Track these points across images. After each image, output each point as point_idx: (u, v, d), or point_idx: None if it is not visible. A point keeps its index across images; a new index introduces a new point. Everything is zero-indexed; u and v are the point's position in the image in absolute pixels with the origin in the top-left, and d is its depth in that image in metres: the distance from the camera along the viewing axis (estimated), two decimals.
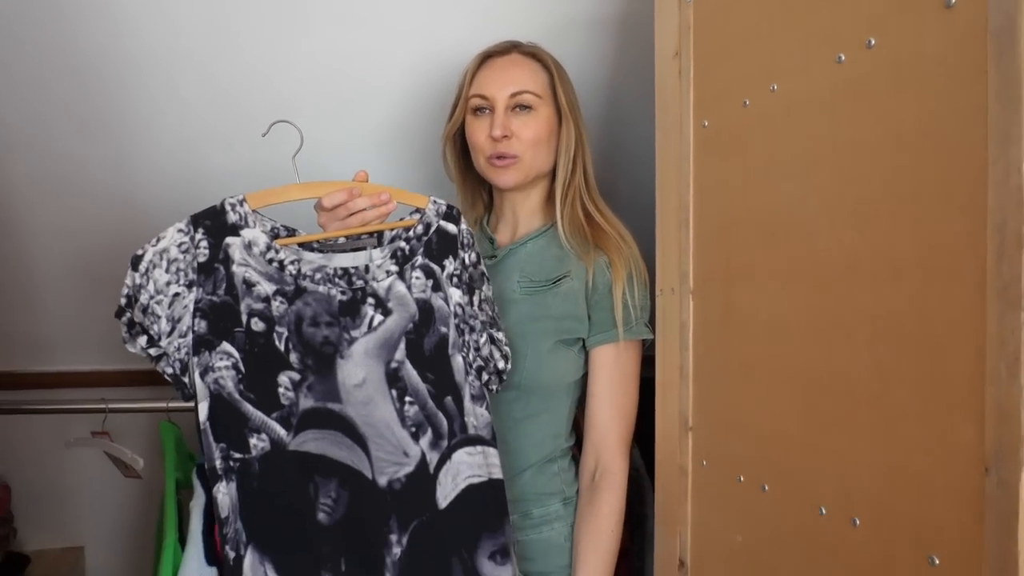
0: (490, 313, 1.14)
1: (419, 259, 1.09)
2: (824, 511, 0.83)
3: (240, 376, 0.99)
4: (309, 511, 1.00)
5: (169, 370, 1.00)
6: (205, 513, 1.17)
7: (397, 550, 1.02)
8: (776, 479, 0.92)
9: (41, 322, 1.67)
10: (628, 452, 1.24)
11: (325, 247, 1.09)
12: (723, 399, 1.03)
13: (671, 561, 1.16)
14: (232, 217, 1.01)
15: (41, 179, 1.44)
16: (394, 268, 1.08)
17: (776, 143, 0.90)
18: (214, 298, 1.00)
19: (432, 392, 1.07)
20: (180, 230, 0.99)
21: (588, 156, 1.28)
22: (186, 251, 0.99)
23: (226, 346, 0.99)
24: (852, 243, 0.78)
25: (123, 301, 0.98)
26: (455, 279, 1.11)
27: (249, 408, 0.99)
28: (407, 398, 1.06)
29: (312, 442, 1.01)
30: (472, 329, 1.12)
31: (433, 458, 1.06)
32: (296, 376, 1.02)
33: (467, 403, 1.09)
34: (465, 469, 1.07)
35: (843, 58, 0.78)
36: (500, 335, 1.14)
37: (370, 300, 1.06)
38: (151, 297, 0.97)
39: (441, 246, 1.11)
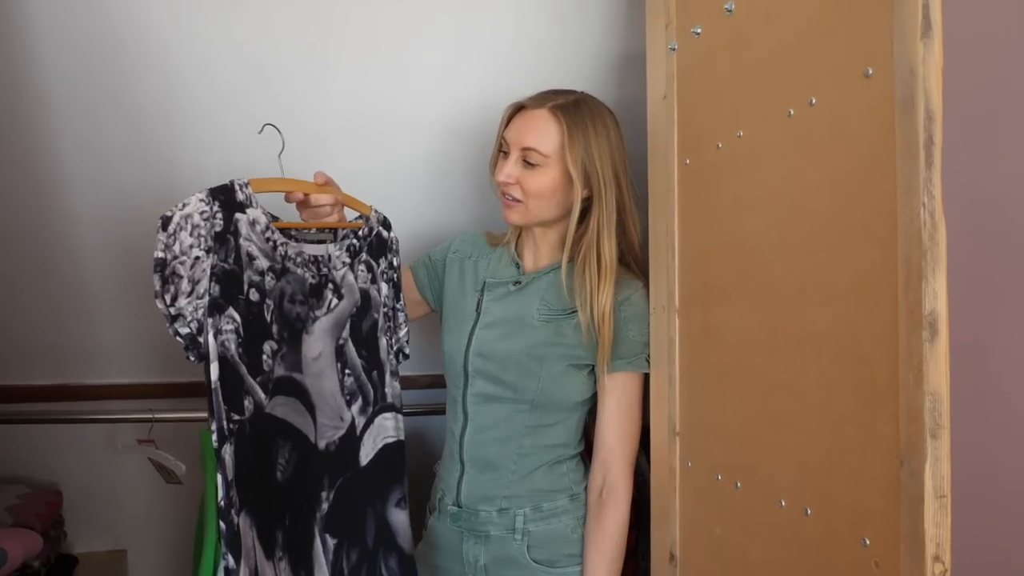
0: (405, 310, 1.35)
1: (364, 255, 1.28)
2: (783, 503, 0.96)
3: (240, 340, 1.08)
4: (272, 471, 1.12)
5: (185, 330, 1.04)
6: None
7: (325, 505, 1.19)
8: (746, 477, 1.04)
9: (93, 338, 1.81)
10: (632, 470, 1.36)
11: (299, 236, 1.23)
12: (704, 406, 1.16)
13: (664, 555, 1.28)
14: (240, 196, 1.12)
15: (99, 208, 1.59)
16: (348, 260, 1.26)
17: (742, 182, 1.03)
18: (225, 265, 1.08)
19: (364, 366, 1.26)
20: (202, 200, 1.06)
21: (606, 212, 1.31)
22: (207, 219, 1.07)
23: (232, 311, 1.08)
24: (802, 270, 0.91)
25: (159, 255, 1.02)
26: (384, 275, 1.31)
27: (244, 371, 1.08)
28: (347, 370, 1.24)
29: (280, 407, 1.14)
30: (395, 319, 1.32)
31: (360, 422, 1.25)
32: (275, 345, 1.14)
33: (387, 377, 1.28)
34: (383, 431, 1.26)
35: (792, 112, 0.92)
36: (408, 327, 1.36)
37: (330, 285, 1.23)
38: (175, 258, 1.03)
39: (378, 247, 1.30)
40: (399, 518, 1.26)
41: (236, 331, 1.08)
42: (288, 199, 1.22)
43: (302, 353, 1.18)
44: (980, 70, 1.13)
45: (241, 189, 1.13)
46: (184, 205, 1.05)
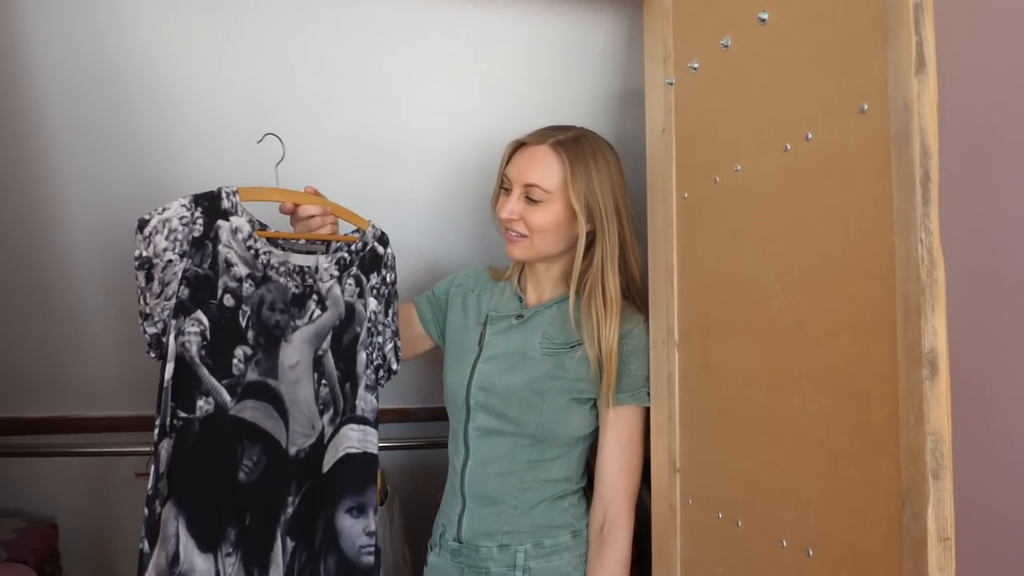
0: (393, 327, 1.33)
1: (354, 269, 1.28)
2: (785, 544, 0.94)
3: (204, 343, 1.14)
4: (232, 470, 1.16)
5: (152, 330, 1.11)
6: None
7: (290, 510, 1.20)
8: (747, 515, 1.02)
9: (91, 370, 1.80)
10: (633, 505, 1.34)
11: (287, 246, 1.25)
12: (703, 443, 1.14)
13: None
14: (226, 204, 1.17)
15: (96, 241, 1.60)
16: (336, 273, 1.26)
17: (740, 216, 1.03)
18: (199, 270, 1.14)
19: (340, 378, 1.26)
20: (183, 205, 1.13)
21: (609, 246, 1.32)
22: (185, 224, 1.13)
23: (199, 314, 1.14)
24: (799, 306, 0.90)
25: (137, 253, 1.10)
26: (375, 291, 1.30)
27: (204, 372, 1.14)
28: (323, 381, 1.25)
29: (249, 411, 1.18)
30: (381, 334, 1.30)
31: (328, 431, 1.25)
32: (249, 351, 1.18)
33: (361, 390, 1.27)
34: (347, 441, 1.25)
35: (789, 147, 0.91)
36: (400, 342, 1.35)
37: (314, 296, 1.24)
38: (147, 260, 1.10)
39: (371, 262, 1.30)
40: (346, 523, 1.23)
41: (202, 334, 1.14)
42: (281, 210, 1.25)
43: (279, 360, 1.21)
44: (975, 105, 1.12)
45: (228, 197, 1.17)
46: (164, 209, 1.11)
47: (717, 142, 1.09)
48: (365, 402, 1.27)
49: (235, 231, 1.17)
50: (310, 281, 1.24)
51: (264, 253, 1.20)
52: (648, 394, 1.32)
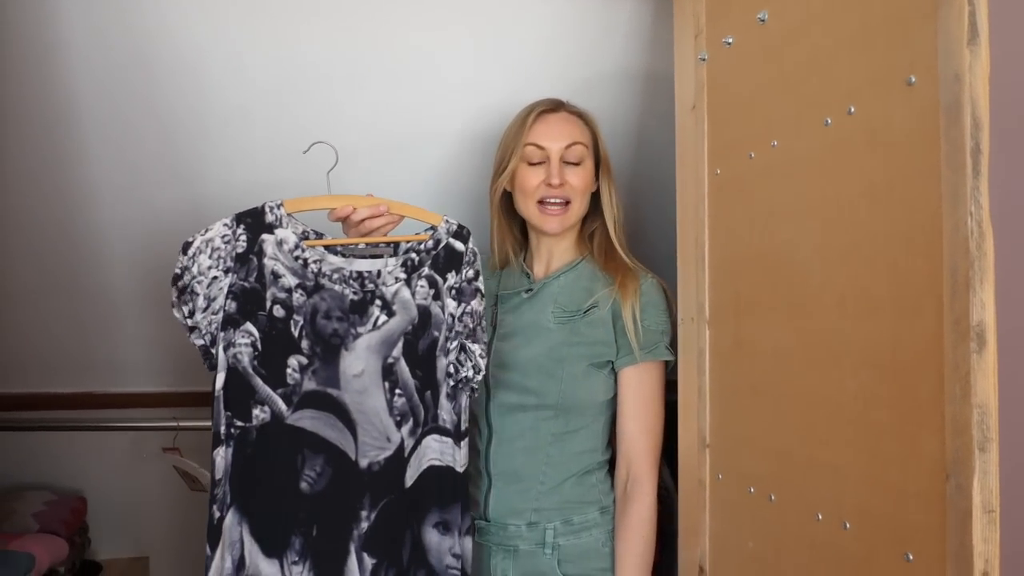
0: (470, 326, 1.24)
1: (426, 270, 1.23)
2: (820, 517, 0.94)
3: (256, 353, 1.16)
4: (293, 479, 1.16)
5: (199, 342, 1.16)
6: None
7: (365, 524, 1.18)
8: (780, 490, 1.03)
9: (119, 347, 1.82)
10: (656, 463, 1.35)
11: (347, 252, 1.24)
12: (735, 419, 1.15)
13: (692, 568, 1.26)
14: (269, 218, 1.19)
15: (125, 219, 1.61)
16: (403, 275, 1.22)
17: (776, 193, 1.02)
18: (245, 284, 1.17)
19: (418, 386, 1.22)
20: (225, 224, 1.17)
21: (613, 201, 1.41)
22: (228, 242, 1.17)
23: (249, 326, 1.16)
24: (840, 281, 0.90)
25: (176, 271, 1.15)
26: (454, 291, 1.24)
27: (258, 382, 1.16)
28: (397, 390, 1.21)
29: (308, 420, 1.17)
30: (474, 334, 1.25)
31: (409, 444, 1.21)
32: (304, 360, 1.18)
33: (442, 399, 1.23)
34: (430, 452, 1.22)
35: (830, 122, 0.91)
36: (474, 347, 1.24)
37: (378, 302, 1.21)
38: (193, 278, 1.14)
39: (447, 260, 1.24)
40: (433, 538, 1.21)
41: (252, 344, 1.16)
42: (329, 218, 1.25)
43: (340, 369, 1.18)
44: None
45: (271, 211, 1.19)
46: (207, 231, 1.16)
47: (752, 117, 1.08)
48: (446, 412, 1.23)
49: (280, 243, 1.18)
50: (371, 286, 1.21)
51: (314, 262, 1.19)
52: (666, 348, 1.34)
